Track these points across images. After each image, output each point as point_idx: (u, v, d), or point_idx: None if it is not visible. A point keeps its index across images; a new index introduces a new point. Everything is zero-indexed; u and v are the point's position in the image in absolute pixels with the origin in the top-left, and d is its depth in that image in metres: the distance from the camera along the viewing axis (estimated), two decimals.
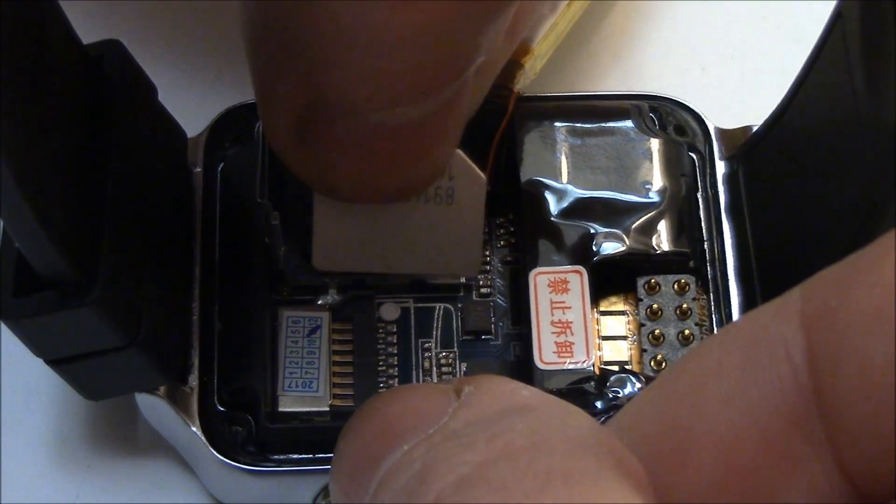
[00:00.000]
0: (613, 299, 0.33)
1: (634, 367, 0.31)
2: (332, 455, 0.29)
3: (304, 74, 0.24)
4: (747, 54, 0.40)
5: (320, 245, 0.29)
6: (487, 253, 0.33)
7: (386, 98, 0.24)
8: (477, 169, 0.29)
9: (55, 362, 0.28)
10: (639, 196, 0.32)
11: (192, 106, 0.36)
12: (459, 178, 0.29)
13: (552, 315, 0.31)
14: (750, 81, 0.39)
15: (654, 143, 0.33)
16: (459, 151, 0.28)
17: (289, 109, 0.25)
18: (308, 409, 0.31)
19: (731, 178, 0.34)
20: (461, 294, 0.33)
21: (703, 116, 0.34)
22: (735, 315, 0.32)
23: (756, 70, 0.39)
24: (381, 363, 0.32)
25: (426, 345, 0.32)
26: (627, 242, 0.32)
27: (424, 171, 0.27)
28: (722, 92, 0.39)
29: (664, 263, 0.32)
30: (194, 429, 0.30)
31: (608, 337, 0.32)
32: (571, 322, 0.31)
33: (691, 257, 0.32)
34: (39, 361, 0.28)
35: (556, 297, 0.31)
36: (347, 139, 0.25)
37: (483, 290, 0.33)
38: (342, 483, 0.21)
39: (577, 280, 0.31)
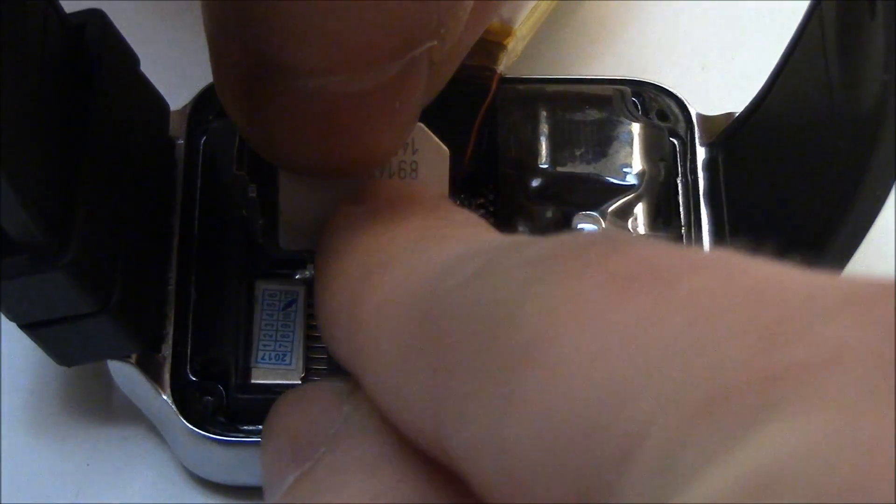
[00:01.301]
0: None
1: None
2: None
3: (248, 33, 0.24)
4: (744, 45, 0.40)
5: (286, 225, 0.29)
6: None
7: (324, 63, 0.24)
8: (439, 142, 0.29)
9: (28, 327, 0.28)
10: (617, 179, 0.33)
11: (177, 79, 0.36)
12: (423, 151, 0.29)
13: None
14: (742, 71, 0.40)
15: (636, 128, 0.33)
16: (422, 125, 0.28)
17: (235, 68, 0.25)
18: (281, 382, 0.31)
19: (710, 165, 0.34)
20: None
21: (685, 102, 0.35)
22: None
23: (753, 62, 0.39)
24: None
25: None
26: (604, 224, 0.32)
27: (369, 148, 0.27)
28: (711, 78, 0.40)
29: None
30: (165, 397, 0.31)
31: None
32: None
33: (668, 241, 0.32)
34: (12, 330, 0.28)
35: None
36: (287, 103, 0.25)
37: None
38: (263, 481, 0.25)
39: None
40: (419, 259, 0.23)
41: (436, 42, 0.24)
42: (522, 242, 0.20)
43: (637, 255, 0.18)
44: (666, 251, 0.18)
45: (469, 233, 0.24)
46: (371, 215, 0.26)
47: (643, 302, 0.17)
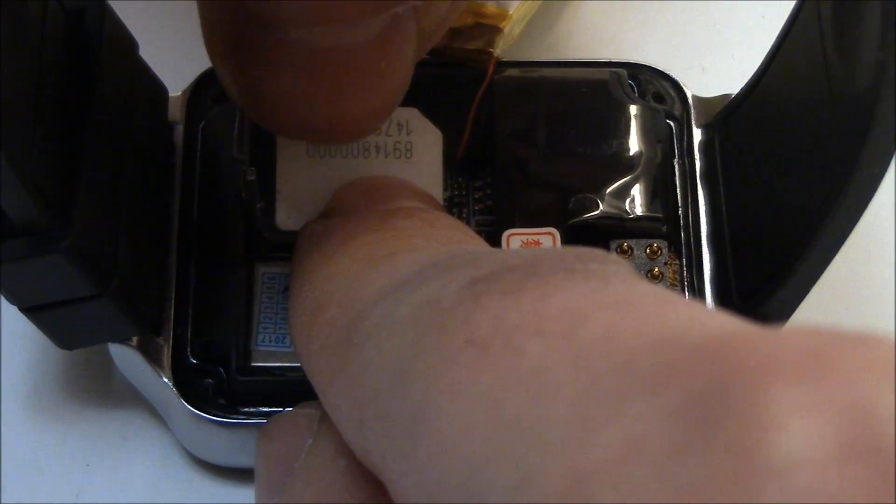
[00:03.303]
0: None
1: None
2: None
3: None
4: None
5: (283, 205, 0.29)
6: (465, 214, 0.34)
7: (307, 14, 0.24)
8: (433, 125, 0.30)
9: (29, 310, 0.28)
10: (614, 161, 0.33)
11: (176, 64, 0.36)
12: (417, 132, 0.29)
13: None
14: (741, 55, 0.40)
15: (632, 110, 0.33)
16: (415, 109, 0.29)
17: (221, 23, 0.25)
18: (281, 364, 0.31)
19: (707, 146, 0.34)
20: None
21: (681, 84, 0.35)
22: (707, 279, 0.32)
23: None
24: None
25: None
26: (601, 206, 0.32)
27: (356, 109, 0.27)
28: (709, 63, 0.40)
29: (637, 228, 0.32)
30: (166, 380, 0.31)
31: None
32: None
33: (664, 222, 0.32)
34: (13, 312, 0.28)
35: None
36: (272, 56, 0.25)
37: None
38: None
39: (550, 242, 0.32)
40: (353, 295, 0.24)
41: (420, 2, 0.25)
42: (424, 282, 0.21)
43: (492, 316, 0.19)
44: (519, 302, 0.19)
45: (409, 247, 0.25)
46: (328, 236, 0.27)
47: (495, 373, 0.18)
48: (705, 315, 0.18)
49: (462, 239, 0.26)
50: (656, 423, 0.16)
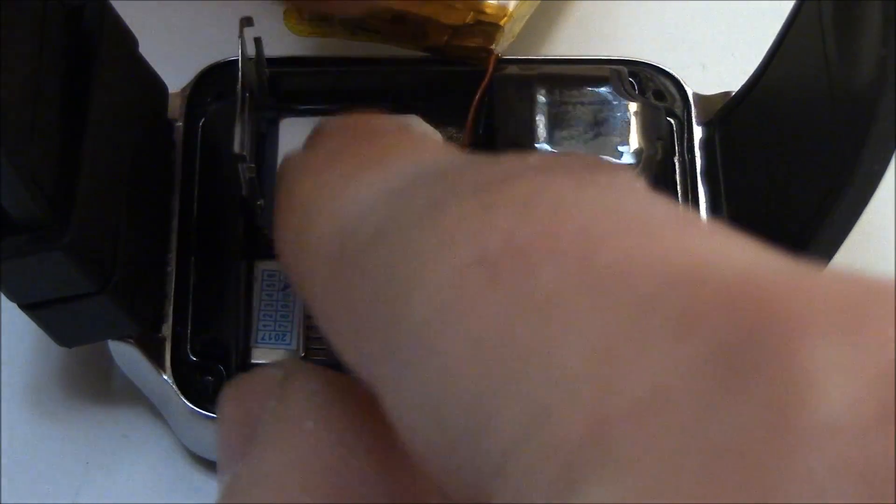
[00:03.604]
0: None
1: None
2: None
3: None
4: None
5: None
6: None
7: None
8: (433, 129, 0.30)
9: (28, 307, 0.28)
10: (615, 158, 0.33)
11: (177, 61, 0.36)
12: None
13: None
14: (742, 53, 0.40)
15: (633, 107, 0.33)
16: (417, 117, 0.29)
17: None
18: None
19: (707, 143, 0.34)
20: None
21: (682, 82, 0.35)
22: None
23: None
24: None
25: None
26: None
27: None
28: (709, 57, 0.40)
29: None
30: (165, 377, 0.31)
31: None
32: None
33: None
34: (13, 310, 0.28)
35: None
36: None
37: None
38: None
39: None
40: (344, 204, 0.23)
41: None
42: (413, 203, 0.20)
43: (503, 232, 0.18)
44: (532, 218, 0.18)
45: (400, 155, 0.24)
46: (311, 155, 0.26)
47: (506, 293, 0.18)
48: (731, 245, 0.17)
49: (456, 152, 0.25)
50: (684, 371, 0.15)
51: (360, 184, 0.23)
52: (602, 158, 0.20)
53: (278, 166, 0.28)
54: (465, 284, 0.18)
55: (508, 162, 0.20)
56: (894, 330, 0.15)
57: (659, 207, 0.19)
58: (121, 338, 0.30)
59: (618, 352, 0.16)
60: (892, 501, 0.13)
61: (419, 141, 0.25)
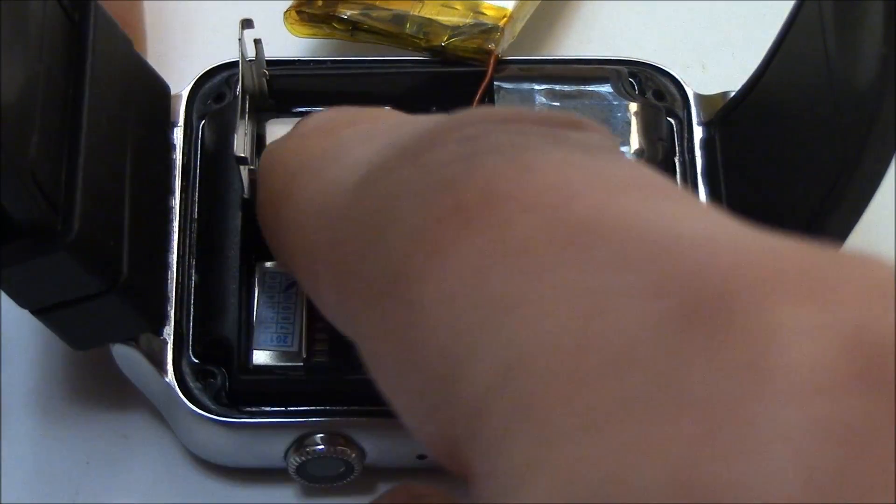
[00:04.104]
0: None
1: None
2: (305, 409, 0.30)
3: None
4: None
5: None
6: None
7: None
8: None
9: (40, 312, 0.28)
10: None
11: (178, 63, 0.36)
12: None
13: None
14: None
15: (633, 107, 0.33)
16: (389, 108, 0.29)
17: None
18: (282, 364, 0.31)
19: (708, 143, 0.34)
20: None
21: (682, 82, 0.35)
22: None
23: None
24: None
25: None
26: None
27: None
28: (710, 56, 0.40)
29: None
30: (167, 379, 0.31)
31: None
32: None
33: None
34: (14, 312, 0.28)
35: None
36: None
37: None
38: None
39: None
40: (324, 163, 0.24)
41: None
42: (402, 149, 0.21)
43: (480, 180, 0.19)
44: (508, 172, 0.19)
45: (374, 129, 0.25)
46: (295, 135, 0.27)
47: (482, 241, 0.18)
48: (699, 211, 0.18)
49: None
50: (656, 327, 0.15)
51: (343, 147, 0.23)
52: (578, 116, 0.21)
53: (262, 156, 0.28)
54: (441, 231, 0.18)
55: (488, 114, 0.21)
56: (860, 295, 0.15)
57: (626, 166, 0.19)
58: (133, 337, 0.30)
59: (592, 306, 0.16)
60: (867, 459, 0.14)
61: (394, 115, 0.25)
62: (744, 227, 0.17)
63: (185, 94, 0.34)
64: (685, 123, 0.34)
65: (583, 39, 0.40)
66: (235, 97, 0.33)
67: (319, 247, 0.22)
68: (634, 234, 0.17)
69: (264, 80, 0.33)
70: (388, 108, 0.30)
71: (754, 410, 0.14)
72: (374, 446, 0.31)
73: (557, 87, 0.34)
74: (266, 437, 0.31)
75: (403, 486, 0.22)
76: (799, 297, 0.15)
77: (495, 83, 0.34)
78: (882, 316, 0.15)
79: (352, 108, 0.27)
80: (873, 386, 0.14)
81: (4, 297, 0.28)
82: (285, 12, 0.36)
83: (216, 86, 0.34)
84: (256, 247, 0.32)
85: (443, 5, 0.34)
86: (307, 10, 0.35)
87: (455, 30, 0.34)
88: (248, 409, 0.31)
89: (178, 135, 0.33)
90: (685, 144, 0.34)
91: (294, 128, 0.28)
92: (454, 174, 0.19)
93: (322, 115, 0.27)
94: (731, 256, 0.16)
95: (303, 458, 0.31)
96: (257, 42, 0.32)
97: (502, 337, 0.17)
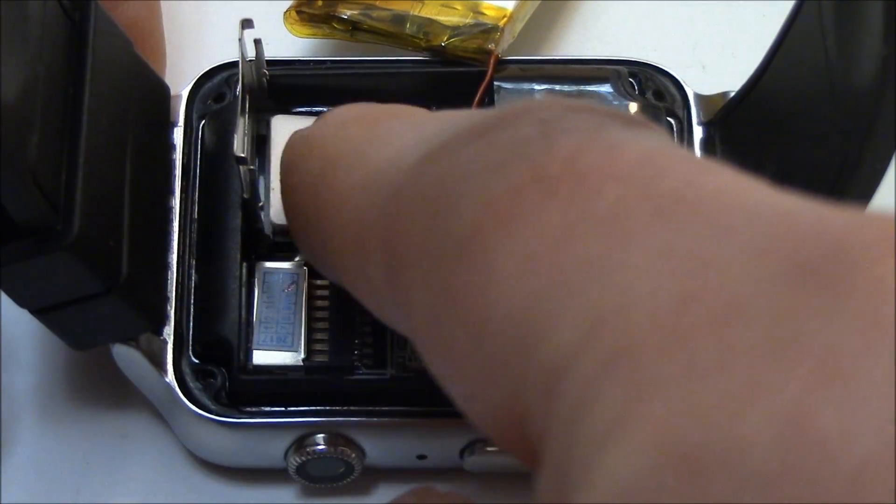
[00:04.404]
0: None
1: None
2: (305, 409, 0.30)
3: None
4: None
5: (278, 202, 0.30)
6: None
7: None
8: None
9: (39, 312, 0.28)
10: None
11: (178, 63, 0.36)
12: None
13: None
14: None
15: (633, 108, 0.33)
16: None
17: None
18: (282, 363, 0.31)
19: (707, 144, 0.34)
20: None
21: (681, 82, 0.35)
22: None
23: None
24: (357, 320, 0.32)
25: None
26: None
27: None
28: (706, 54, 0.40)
29: None
30: (168, 379, 0.31)
31: None
32: None
33: None
34: (14, 312, 0.28)
35: None
36: None
37: None
38: None
39: None
40: (371, 147, 0.23)
41: None
42: (466, 129, 0.20)
43: (564, 154, 0.18)
44: (592, 148, 0.18)
45: (420, 118, 0.24)
46: (330, 125, 0.26)
47: (566, 210, 0.17)
48: (781, 193, 0.18)
49: None
50: (765, 284, 0.15)
51: (391, 134, 0.23)
52: (640, 116, 0.20)
53: (285, 148, 0.28)
54: (521, 200, 0.18)
55: (560, 102, 0.20)
56: None
57: (703, 157, 0.19)
58: (133, 337, 0.30)
59: (687, 265, 0.16)
60: None
61: (435, 112, 0.25)
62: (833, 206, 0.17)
63: (185, 94, 0.34)
64: (685, 123, 0.34)
65: (583, 39, 0.40)
66: (235, 97, 0.33)
67: (369, 225, 0.22)
68: (730, 203, 0.17)
69: (264, 80, 0.33)
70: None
71: (871, 362, 0.14)
72: (375, 446, 0.31)
73: (557, 88, 0.34)
74: (266, 437, 0.31)
75: (426, 489, 0.22)
76: None
77: (495, 83, 0.34)
78: None
79: (383, 104, 0.27)
80: None
81: (4, 297, 0.28)
82: (285, 12, 0.36)
83: (216, 86, 0.34)
84: (256, 247, 0.32)
85: (443, 5, 0.34)
86: (307, 10, 0.35)
87: (455, 30, 0.34)
88: (248, 409, 0.31)
89: (178, 135, 0.33)
90: (685, 144, 0.34)
91: (320, 119, 0.27)
92: (533, 149, 0.19)
93: (359, 107, 0.27)
94: (838, 220, 0.16)
95: (303, 458, 0.31)
96: (257, 42, 0.32)
97: (589, 298, 0.16)
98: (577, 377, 0.16)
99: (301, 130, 0.28)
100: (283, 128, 0.32)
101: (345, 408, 0.31)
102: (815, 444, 0.13)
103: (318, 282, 0.32)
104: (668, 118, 0.34)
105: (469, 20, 0.34)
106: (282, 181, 0.28)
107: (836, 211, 0.16)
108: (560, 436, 0.16)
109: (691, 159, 0.18)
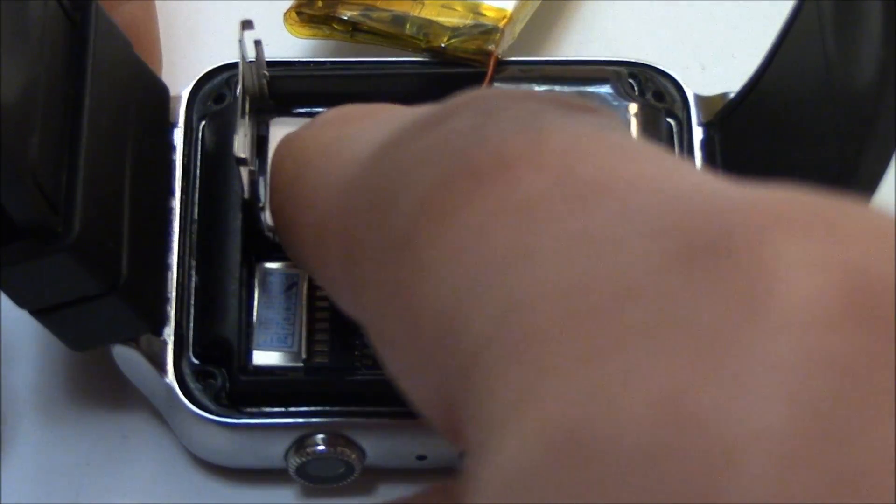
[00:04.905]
0: None
1: None
2: (305, 409, 0.30)
3: None
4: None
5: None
6: None
7: None
8: None
9: (39, 313, 0.28)
10: None
11: (178, 64, 0.36)
12: None
13: None
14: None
15: (633, 108, 0.33)
16: None
17: None
18: (282, 364, 0.31)
19: (707, 144, 0.34)
20: None
21: (681, 83, 0.35)
22: None
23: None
24: None
25: None
26: None
27: None
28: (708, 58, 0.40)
29: None
30: (168, 380, 0.31)
31: None
32: None
33: None
34: (14, 313, 0.28)
35: None
36: None
37: None
38: None
39: None
40: (340, 145, 0.24)
41: None
42: (414, 123, 0.21)
43: (493, 145, 0.19)
44: (520, 137, 0.19)
45: (389, 115, 0.25)
46: (309, 127, 0.27)
47: (489, 200, 0.18)
48: (703, 174, 0.18)
49: None
50: (655, 265, 0.15)
51: (359, 132, 0.24)
52: (582, 99, 0.21)
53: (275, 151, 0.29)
54: (451, 193, 0.19)
55: (502, 91, 0.21)
56: (858, 236, 0.15)
57: (635, 141, 0.19)
58: (131, 338, 0.31)
59: (593, 250, 0.16)
60: (859, 392, 0.14)
61: (409, 108, 0.26)
62: (745, 184, 0.17)
63: (185, 95, 0.34)
64: (685, 124, 0.34)
65: (582, 40, 0.40)
66: (235, 98, 0.33)
67: (329, 219, 0.23)
68: (641, 188, 0.17)
69: (264, 80, 0.33)
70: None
71: (747, 340, 0.14)
72: (375, 447, 0.31)
73: (557, 88, 0.34)
74: (266, 437, 0.31)
75: (441, 487, 0.22)
76: (799, 234, 0.15)
77: (495, 84, 0.34)
78: (882, 256, 0.15)
79: (366, 104, 0.27)
80: (869, 322, 0.14)
81: (4, 298, 0.28)
82: (285, 13, 0.36)
83: (216, 87, 0.34)
84: (256, 248, 0.32)
85: (442, 6, 0.34)
86: (307, 11, 0.35)
87: (455, 31, 0.34)
88: (249, 409, 0.31)
89: (178, 136, 0.33)
90: (685, 145, 0.34)
91: (307, 122, 0.28)
92: (468, 142, 0.19)
93: (337, 110, 0.27)
94: (733, 200, 0.16)
95: (303, 459, 0.31)
96: (257, 43, 0.32)
97: (503, 288, 0.17)
98: (484, 365, 0.17)
99: (287, 134, 0.28)
100: (282, 131, 0.32)
101: (345, 408, 0.31)
102: (688, 421, 0.14)
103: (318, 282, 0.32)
104: (668, 119, 0.34)
105: (469, 21, 0.34)
106: (269, 184, 0.28)
107: (737, 190, 0.16)
108: (472, 421, 0.17)
109: (620, 146, 0.19)
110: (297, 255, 0.27)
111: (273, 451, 0.31)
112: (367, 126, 0.24)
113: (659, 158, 0.19)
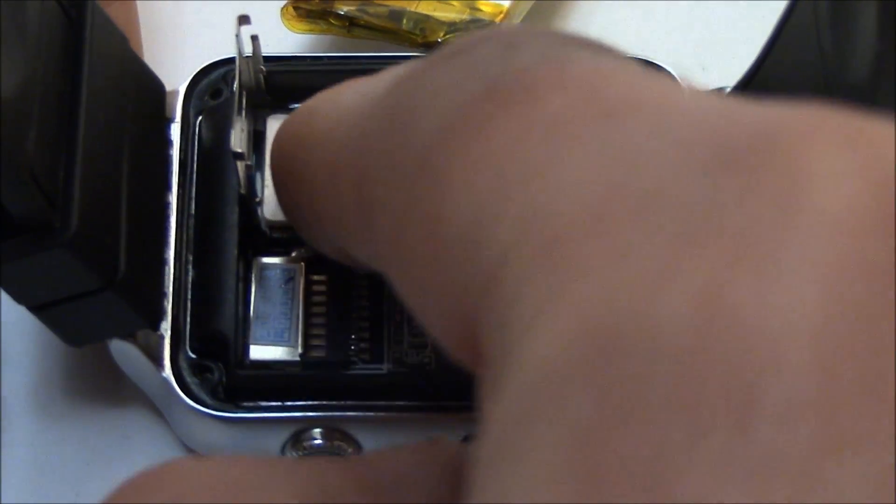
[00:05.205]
0: None
1: None
2: (302, 403, 0.30)
3: None
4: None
5: (272, 196, 0.30)
6: None
7: None
8: None
9: (37, 309, 0.28)
10: None
11: (174, 60, 0.36)
12: None
13: None
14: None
15: None
16: None
17: None
18: (279, 359, 0.31)
19: None
20: None
21: (675, 77, 0.35)
22: None
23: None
24: (354, 315, 0.32)
25: None
26: None
27: None
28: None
29: None
30: (164, 374, 0.31)
31: None
32: None
33: None
34: (14, 310, 0.29)
35: None
36: None
37: None
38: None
39: None
40: (347, 89, 0.24)
41: None
42: (433, 57, 0.21)
43: (517, 68, 0.19)
44: (541, 63, 0.19)
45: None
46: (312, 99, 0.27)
47: (515, 119, 0.18)
48: (735, 99, 0.18)
49: None
50: (690, 170, 0.15)
51: (359, 84, 0.24)
52: (599, 41, 0.21)
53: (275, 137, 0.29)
54: (475, 112, 0.19)
55: (521, 27, 0.21)
56: (893, 147, 0.15)
57: (656, 73, 0.19)
58: (130, 333, 0.31)
59: (622, 157, 0.16)
60: (890, 294, 0.14)
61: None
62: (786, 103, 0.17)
63: (181, 90, 0.34)
64: None
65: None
66: (232, 93, 0.33)
67: (342, 151, 0.23)
68: (671, 106, 0.17)
69: (261, 75, 0.33)
70: None
71: (783, 241, 0.14)
72: (371, 441, 0.31)
73: None
74: (263, 431, 0.31)
75: (426, 444, 0.21)
76: (838, 145, 0.15)
77: None
78: None
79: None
80: None
81: (4, 298, 0.28)
82: (282, 8, 0.36)
83: (213, 82, 0.34)
84: (253, 242, 0.32)
85: (439, 1, 0.34)
86: (304, 6, 0.35)
87: (451, 26, 0.34)
88: (246, 403, 0.31)
89: (174, 131, 0.33)
90: None
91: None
92: (492, 69, 0.19)
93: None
94: (765, 116, 0.16)
95: (300, 453, 0.31)
96: (254, 38, 0.32)
97: (529, 194, 0.17)
98: (508, 271, 0.17)
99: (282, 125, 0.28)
100: (279, 126, 0.32)
101: (342, 402, 0.31)
102: (727, 318, 0.14)
103: (316, 277, 0.32)
104: None
105: (465, 17, 0.34)
106: (271, 152, 0.28)
107: (770, 106, 0.16)
108: (495, 329, 0.17)
109: (645, 73, 0.19)
110: (306, 217, 0.27)
111: (270, 445, 0.31)
112: (374, 76, 0.24)
113: (684, 85, 0.19)
